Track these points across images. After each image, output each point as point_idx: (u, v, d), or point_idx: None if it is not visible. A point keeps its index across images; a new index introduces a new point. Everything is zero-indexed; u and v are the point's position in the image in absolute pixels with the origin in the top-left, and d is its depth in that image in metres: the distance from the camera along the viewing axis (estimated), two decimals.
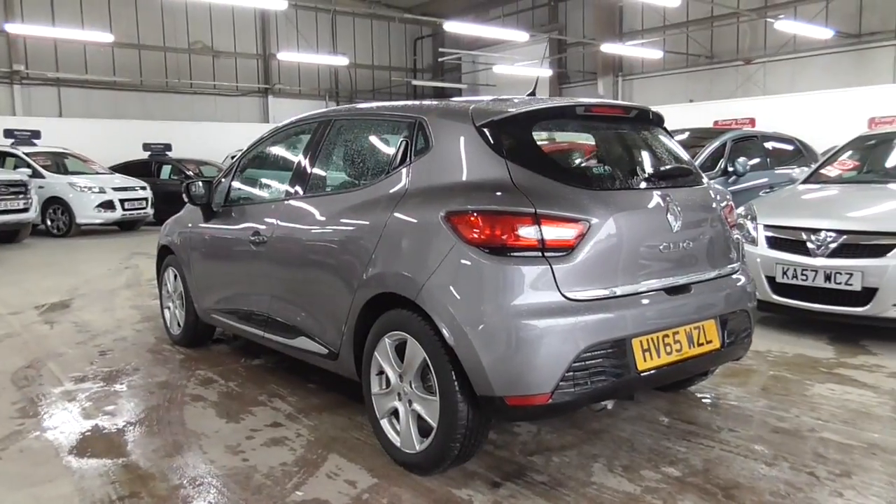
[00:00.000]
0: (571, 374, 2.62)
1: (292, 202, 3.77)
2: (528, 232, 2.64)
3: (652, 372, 2.83)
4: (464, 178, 2.90)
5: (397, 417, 3.05)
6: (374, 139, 3.54)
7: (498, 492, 2.78)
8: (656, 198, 2.99)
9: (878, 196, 5.42)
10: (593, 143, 3.31)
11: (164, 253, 5.25)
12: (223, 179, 4.57)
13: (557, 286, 2.65)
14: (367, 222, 3.15)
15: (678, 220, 3.00)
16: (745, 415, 3.60)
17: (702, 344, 3.03)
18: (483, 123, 2.94)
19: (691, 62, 19.05)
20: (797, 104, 14.69)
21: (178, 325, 5.11)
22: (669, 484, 2.83)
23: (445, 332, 2.68)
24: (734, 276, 3.29)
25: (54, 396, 4.03)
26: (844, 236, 4.88)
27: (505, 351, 2.60)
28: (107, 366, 4.66)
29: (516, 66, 20.09)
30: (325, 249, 3.40)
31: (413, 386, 2.91)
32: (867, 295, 4.73)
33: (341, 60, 20.45)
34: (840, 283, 4.84)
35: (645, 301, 2.85)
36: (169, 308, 5.24)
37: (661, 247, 2.94)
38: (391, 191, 3.13)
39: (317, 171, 3.77)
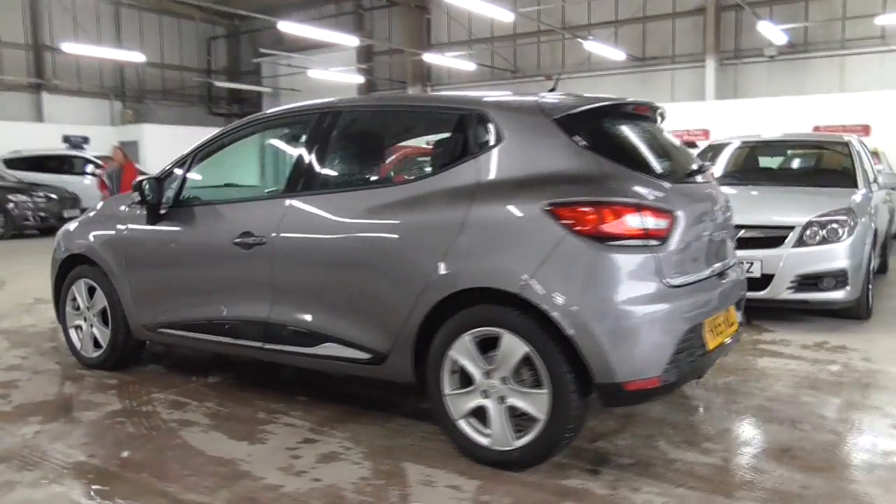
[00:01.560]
0: (675, 356, 2.77)
1: (302, 199, 3.47)
2: (634, 222, 2.75)
3: (714, 351, 3.09)
4: (549, 170, 2.92)
5: (476, 416, 2.97)
6: (410, 132, 3.40)
7: (603, 478, 2.84)
8: (706, 190, 3.26)
9: (759, 196, 6.28)
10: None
11: (70, 264, 4.50)
12: (167, 178, 4.03)
13: (660, 273, 2.79)
14: (435, 217, 3.03)
15: (719, 210, 3.29)
16: (730, 389, 4.01)
17: (731, 325, 3.34)
18: (561, 117, 2.98)
19: (497, 75, 20.28)
20: None
21: (98, 345, 4.40)
22: (741, 452, 3.10)
23: (563, 324, 2.69)
24: (737, 264, 3.66)
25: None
26: (742, 230, 5.60)
27: (626, 337, 2.68)
28: (27, 400, 3.88)
29: (331, 72, 19.90)
30: (371, 247, 3.19)
31: (509, 381, 2.85)
32: (765, 280, 5.48)
33: (135, 56, 18.69)
34: None
35: (708, 286, 3.09)
36: (79, 327, 4.50)
37: (712, 236, 3.21)
38: (459, 184, 3.04)
39: (331, 165, 3.52)
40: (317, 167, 3.50)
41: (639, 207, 2.77)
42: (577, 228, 2.73)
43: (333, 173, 3.53)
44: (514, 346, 2.82)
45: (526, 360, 2.81)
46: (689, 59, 17.32)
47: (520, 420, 2.88)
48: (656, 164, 3.15)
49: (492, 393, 2.91)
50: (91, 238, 4.36)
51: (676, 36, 17.65)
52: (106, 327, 4.34)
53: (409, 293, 3.05)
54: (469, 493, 2.72)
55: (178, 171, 4.06)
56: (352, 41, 15.81)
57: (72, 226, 4.70)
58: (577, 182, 2.85)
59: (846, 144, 7.06)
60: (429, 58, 18.75)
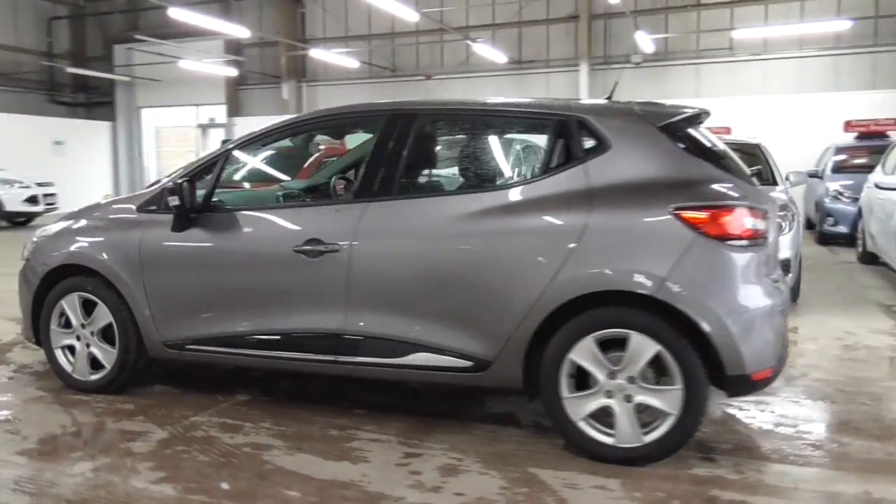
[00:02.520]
0: (782, 346, 3.01)
1: (383, 204, 3.33)
2: (749, 223, 2.94)
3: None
4: (661, 174, 3.04)
5: (595, 417, 3.03)
6: (505, 137, 3.37)
7: (722, 464, 3.01)
8: (766, 191, 3.53)
9: None
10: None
11: (54, 276, 3.97)
12: (194, 180, 3.68)
13: (766, 270, 3.01)
14: (551, 221, 3.04)
15: (775, 211, 3.58)
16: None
17: None
18: (663, 125, 3.11)
19: (375, 73, 20.09)
20: None
21: (96, 367, 3.93)
22: (813, 429, 3.40)
23: (700, 322, 2.82)
24: None
25: (57, 481, 2.86)
26: None
27: (752, 331, 2.88)
28: (44, 433, 3.40)
29: (205, 63, 18.75)
30: (476, 253, 3.13)
31: (637, 380, 2.94)
32: None
33: None
34: None
35: (782, 282, 3.36)
36: (69, 348, 4.00)
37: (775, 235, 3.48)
38: (568, 189, 3.07)
39: (414, 168, 3.41)
40: (396, 171, 3.36)
41: (750, 209, 2.97)
42: (707, 231, 2.88)
43: (417, 177, 3.44)
44: (643, 346, 2.91)
45: (659, 359, 2.91)
46: (563, 64, 18.22)
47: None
48: (739, 168, 3.36)
49: (616, 393, 2.98)
50: (91, 246, 3.88)
51: (551, 41, 18.50)
52: (110, 346, 3.89)
53: (523, 298, 3.04)
54: (619, 492, 2.77)
55: (206, 173, 3.73)
56: (242, 32, 14.95)
57: (51, 232, 4.15)
58: (693, 186, 2.99)
59: (758, 146, 7.85)
60: (316, 54, 18.17)
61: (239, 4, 21.57)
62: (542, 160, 3.20)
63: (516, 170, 3.34)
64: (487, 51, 17.11)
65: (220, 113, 22.86)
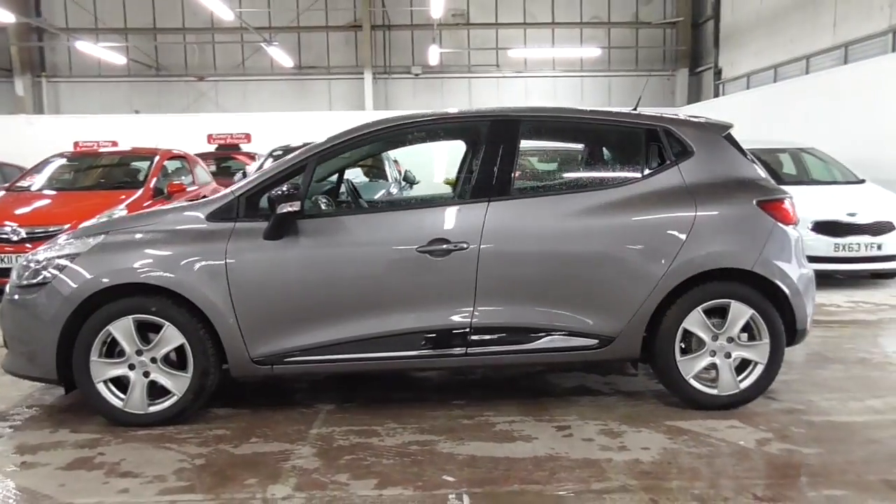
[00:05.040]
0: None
1: (506, 203, 3.62)
2: (794, 212, 3.86)
3: None
4: (732, 174, 3.81)
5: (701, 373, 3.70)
6: (605, 143, 3.83)
7: (782, 399, 3.87)
8: None
9: None
10: None
11: (96, 299, 3.51)
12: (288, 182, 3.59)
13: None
14: (667, 214, 3.63)
15: None
16: None
17: None
18: (725, 134, 3.90)
19: (137, 72, 18.38)
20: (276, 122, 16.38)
21: (157, 395, 3.57)
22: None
23: (785, 288, 3.64)
24: None
25: None
26: None
27: (810, 294, 3.78)
28: (172, 470, 3.07)
29: None
30: (605, 245, 3.59)
31: (735, 339, 3.66)
32: None
33: None
34: None
35: None
36: (117, 379, 3.57)
37: None
38: (668, 186, 3.70)
39: (523, 170, 3.73)
40: (511, 172, 3.66)
41: (791, 199, 3.89)
42: (778, 218, 3.72)
43: (518, 179, 3.73)
44: (741, 311, 3.65)
45: (752, 320, 3.66)
46: (345, 71, 18.61)
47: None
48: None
49: (719, 351, 3.68)
50: (156, 262, 3.50)
51: (331, 48, 18.74)
52: (179, 371, 3.56)
53: (647, 281, 3.59)
54: (749, 428, 3.45)
55: (292, 178, 3.63)
56: (7, 17, 12.63)
57: (76, 251, 3.59)
58: (758, 183, 3.81)
59: None
60: (83, 46, 16.02)
61: None
62: (640, 163, 3.78)
63: (613, 171, 3.87)
64: (277, 53, 16.81)
65: None
